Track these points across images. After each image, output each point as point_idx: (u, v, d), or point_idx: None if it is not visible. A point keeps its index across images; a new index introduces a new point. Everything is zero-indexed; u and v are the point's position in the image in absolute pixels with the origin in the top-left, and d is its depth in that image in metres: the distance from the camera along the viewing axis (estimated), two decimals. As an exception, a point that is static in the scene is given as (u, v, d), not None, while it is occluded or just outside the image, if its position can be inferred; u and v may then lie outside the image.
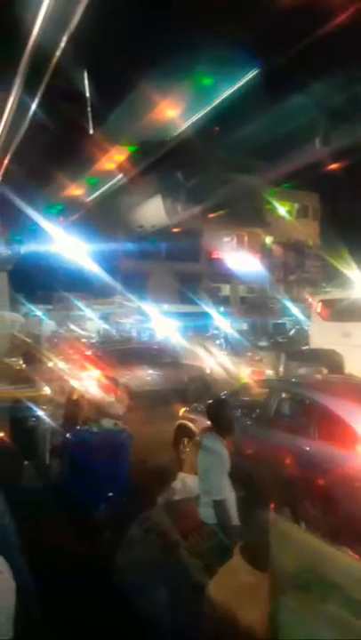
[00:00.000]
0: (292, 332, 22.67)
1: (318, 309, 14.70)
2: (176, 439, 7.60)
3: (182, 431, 7.52)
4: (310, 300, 24.68)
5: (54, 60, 2.01)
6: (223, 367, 10.28)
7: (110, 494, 4.63)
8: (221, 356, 13.39)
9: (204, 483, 3.90)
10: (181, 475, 4.80)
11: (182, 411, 7.86)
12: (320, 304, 14.80)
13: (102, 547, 3.52)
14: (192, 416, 7.50)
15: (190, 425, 7.35)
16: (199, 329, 20.94)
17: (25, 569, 2.13)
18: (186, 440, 7.39)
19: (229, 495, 3.79)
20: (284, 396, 6.51)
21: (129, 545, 2.75)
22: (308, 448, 5.40)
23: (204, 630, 2.32)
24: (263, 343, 20.66)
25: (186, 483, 4.63)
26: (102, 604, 2.63)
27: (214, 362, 12.01)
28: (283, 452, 5.57)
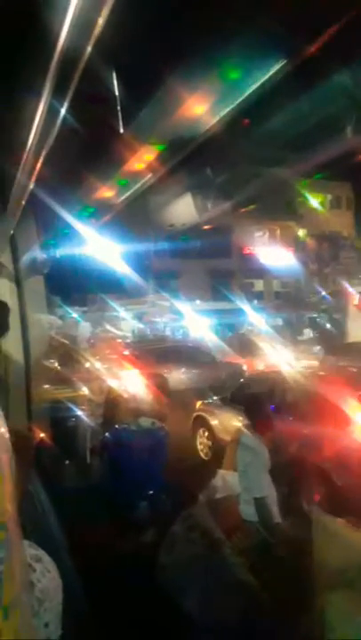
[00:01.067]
0: (328, 326, 22.28)
1: (356, 301, 14.39)
2: (194, 429, 8.25)
3: (199, 422, 8.19)
4: (324, 293, 24.15)
5: (82, 63, 1.99)
6: (290, 364, 10.24)
7: (150, 492, 4.65)
8: (285, 351, 13.23)
9: (244, 480, 3.88)
10: (221, 472, 4.78)
11: (199, 404, 8.55)
12: (358, 296, 14.49)
13: (144, 544, 3.54)
14: (208, 408, 8.18)
15: (206, 416, 7.98)
16: (233, 326, 20.81)
17: (70, 567, 2.16)
18: (202, 430, 8.06)
19: (270, 492, 3.76)
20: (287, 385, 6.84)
21: (171, 543, 2.75)
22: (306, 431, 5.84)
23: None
24: (302, 337, 20.38)
25: (226, 480, 4.61)
26: (146, 602, 2.64)
27: (281, 359, 11.76)
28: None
